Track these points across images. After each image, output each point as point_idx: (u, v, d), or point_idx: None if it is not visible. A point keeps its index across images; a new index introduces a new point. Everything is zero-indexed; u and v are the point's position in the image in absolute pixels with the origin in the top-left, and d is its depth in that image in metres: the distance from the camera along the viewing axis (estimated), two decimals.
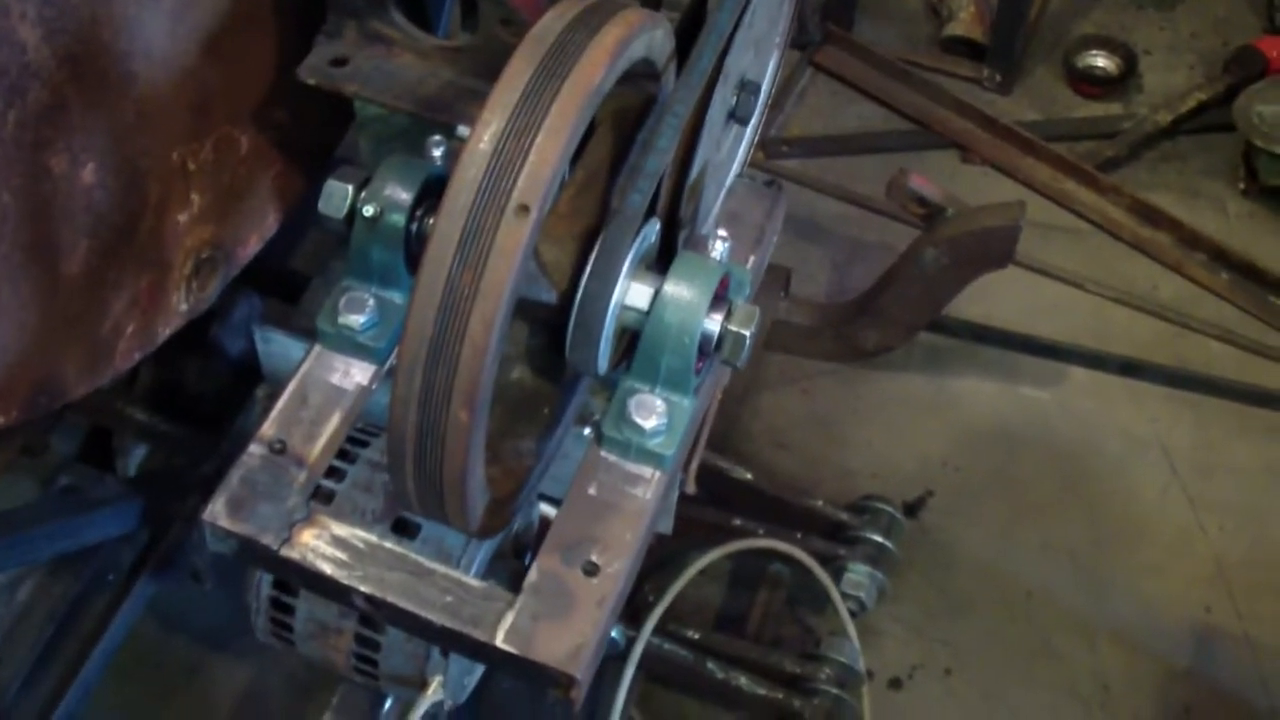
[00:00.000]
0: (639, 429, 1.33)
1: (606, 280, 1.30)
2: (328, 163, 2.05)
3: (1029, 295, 2.89)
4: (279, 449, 1.32)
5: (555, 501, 1.41)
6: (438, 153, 1.42)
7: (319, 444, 1.33)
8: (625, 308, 1.32)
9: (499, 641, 1.23)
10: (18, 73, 1.40)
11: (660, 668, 2.34)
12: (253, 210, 1.87)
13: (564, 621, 1.24)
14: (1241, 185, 3.10)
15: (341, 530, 1.29)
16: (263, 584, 1.81)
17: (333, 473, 1.82)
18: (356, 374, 1.38)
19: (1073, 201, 3.01)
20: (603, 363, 1.34)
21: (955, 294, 2.62)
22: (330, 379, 1.38)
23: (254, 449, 1.32)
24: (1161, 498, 2.70)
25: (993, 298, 2.83)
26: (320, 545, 1.28)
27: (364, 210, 1.35)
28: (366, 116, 1.66)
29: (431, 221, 1.35)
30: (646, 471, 1.34)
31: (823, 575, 2.39)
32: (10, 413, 1.54)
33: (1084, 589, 2.60)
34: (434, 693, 1.80)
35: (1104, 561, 2.63)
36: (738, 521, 2.46)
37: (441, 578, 1.27)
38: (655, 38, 1.30)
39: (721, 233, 1.40)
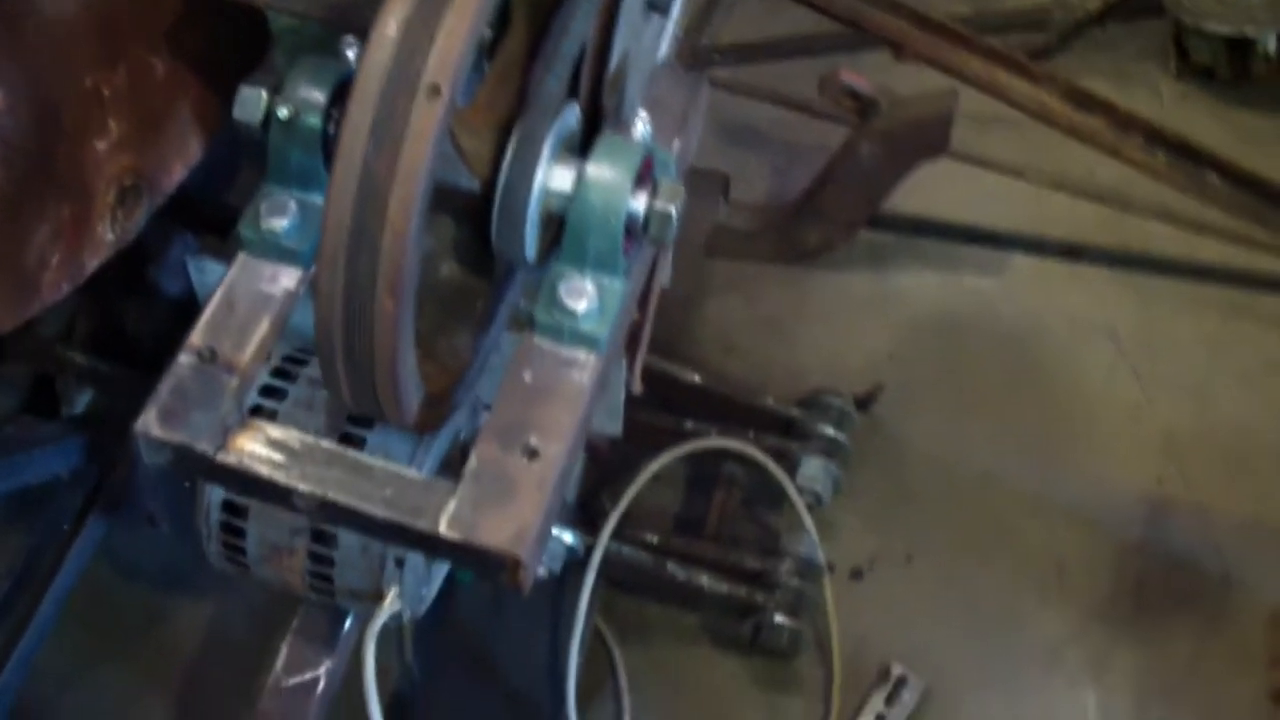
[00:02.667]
0: (570, 312, 1.33)
1: (527, 164, 1.29)
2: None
3: (967, 187, 2.90)
4: (209, 357, 1.32)
5: None
6: (350, 53, 1.41)
7: (249, 350, 1.32)
8: (549, 192, 1.32)
9: (442, 530, 1.23)
10: None
11: (621, 573, 2.36)
12: (174, 137, 1.85)
13: (506, 506, 1.24)
14: (1173, 67, 3.11)
15: (277, 432, 1.28)
16: (212, 509, 1.81)
17: (273, 393, 1.82)
18: (283, 279, 1.38)
19: (1007, 92, 3.00)
20: (530, 250, 1.34)
21: (893, 187, 2.62)
22: (257, 285, 1.37)
23: (183, 358, 1.32)
24: (1109, 377, 2.73)
25: (931, 191, 2.83)
26: (257, 448, 1.28)
27: (279, 113, 1.33)
28: (279, 28, 1.63)
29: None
30: (581, 355, 1.34)
31: (777, 471, 2.42)
32: None
33: (1036, 470, 2.63)
34: (390, 604, 1.81)
35: (1055, 442, 2.65)
36: (690, 425, 2.47)
37: (381, 472, 1.27)
38: None
39: (642, 114, 1.39)
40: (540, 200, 1.31)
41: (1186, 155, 2.93)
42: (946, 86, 2.90)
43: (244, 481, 1.27)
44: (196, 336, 1.33)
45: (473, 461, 1.27)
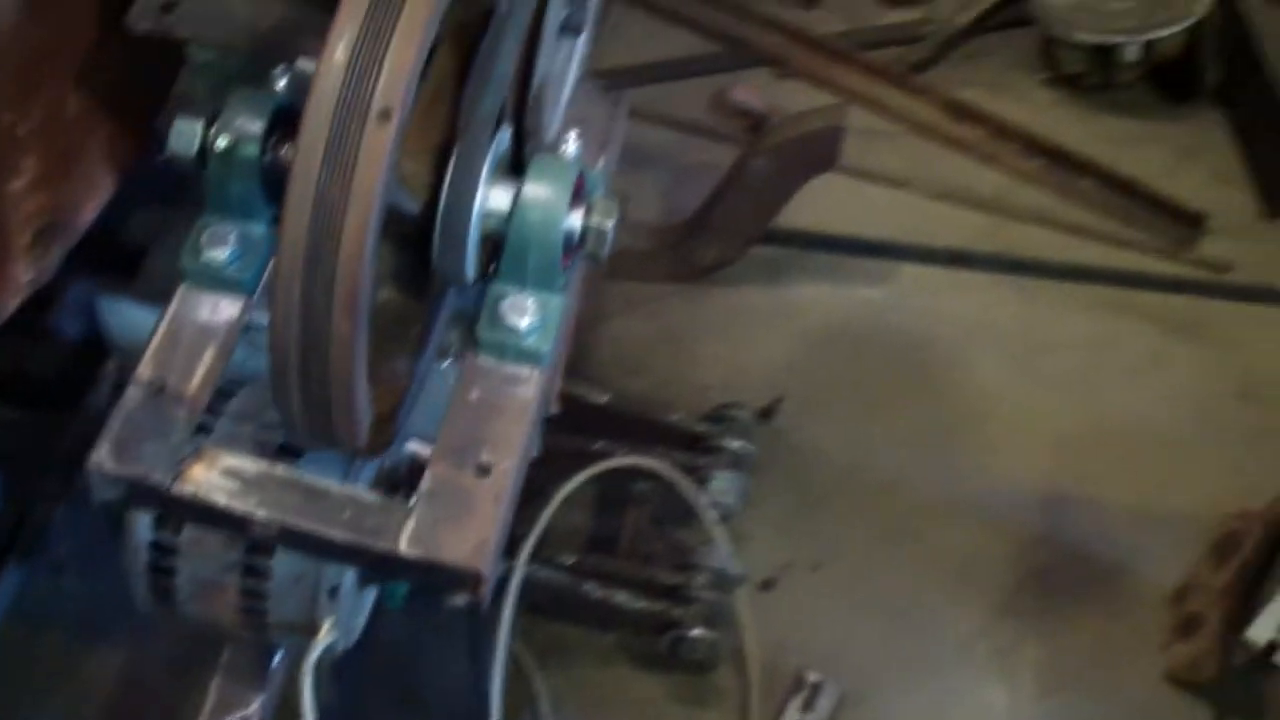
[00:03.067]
0: (513, 329, 1.36)
1: (467, 186, 1.32)
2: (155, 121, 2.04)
3: (854, 200, 2.97)
4: (157, 389, 1.32)
5: (425, 438, 1.42)
6: (281, 83, 1.43)
7: (196, 380, 1.33)
8: (488, 213, 1.35)
9: (403, 549, 1.25)
10: None
11: (538, 596, 2.37)
12: (87, 175, 1.84)
13: (464, 522, 1.27)
14: (1043, 76, 3.24)
15: (232, 460, 1.29)
16: (139, 550, 1.79)
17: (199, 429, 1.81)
18: (225, 308, 1.38)
19: (887, 106, 3.10)
20: (470, 270, 1.36)
21: (785, 201, 2.69)
22: (200, 316, 1.38)
23: (132, 392, 1.32)
24: (999, 378, 2.81)
25: (820, 205, 2.90)
26: (212, 477, 1.28)
27: (217, 144, 1.35)
28: (200, 61, 1.64)
29: (286, 147, 1.35)
30: (525, 371, 1.37)
31: (688, 487, 2.45)
32: None
33: (937, 472, 2.69)
34: (325, 635, 1.80)
35: (953, 444, 2.73)
36: (599, 445, 2.49)
37: (338, 495, 1.29)
38: None
39: (571, 134, 1.43)
40: (480, 221, 1.33)
41: (1060, 161, 3.07)
42: (833, 102, 2.99)
43: (200, 511, 1.28)
44: (144, 369, 1.33)
45: (427, 481, 1.29)
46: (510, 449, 1.31)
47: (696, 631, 2.33)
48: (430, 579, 1.27)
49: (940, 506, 2.65)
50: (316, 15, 1.60)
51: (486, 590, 1.26)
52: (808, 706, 2.40)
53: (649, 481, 2.54)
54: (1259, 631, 1.90)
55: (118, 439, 1.29)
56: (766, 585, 2.56)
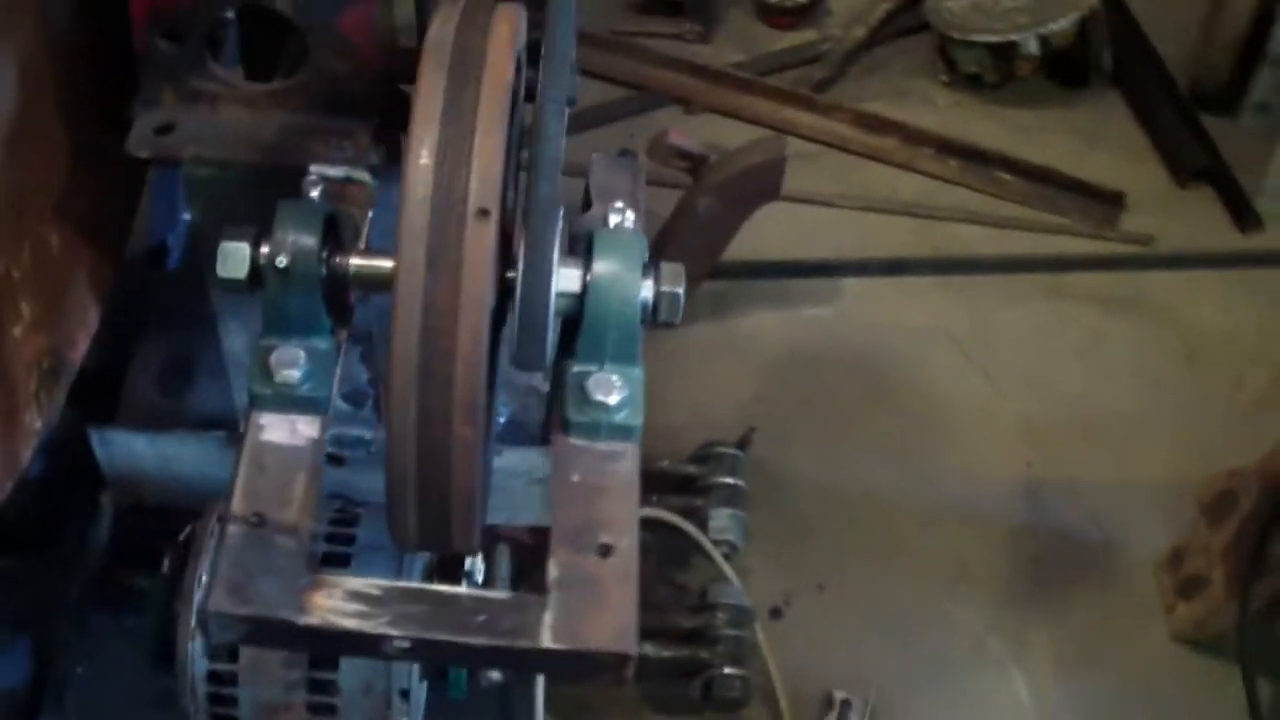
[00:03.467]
0: (604, 407, 1.34)
1: (543, 272, 1.30)
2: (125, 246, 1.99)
3: (787, 224, 3.01)
4: (256, 522, 1.28)
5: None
6: (315, 192, 1.41)
7: (295, 507, 1.29)
8: (559, 294, 1.33)
9: (548, 644, 1.23)
10: None
11: None
12: (75, 309, 1.79)
13: (600, 606, 1.25)
14: (943, 78, 3.32)
15: (352, 584, 1.26)
16: (197, 683, 1.75)
17: None
18: (304, 429, 1.34)
19: (799, 127, 3.15)
20: (550, 356, 1.35)
21: (733, 236, 2.71)
22: (280, 440, 1.34)
23: (232, 529, 1.27)
24: (958, 377, 2.87)
25: (756, 235, 2.92)
26: (337, 604, 1.24)
27: (277, 263, 1.31)
28: (197, 180, 1.60)
29: (350, 260, 1.33)
30: (619, 447, 1.36)
31: (691, 529, 2.46)
32: None
33: (914, 478, 2.74)
34: None
35: (925, 449, 2.78)
36: None
37: (466, 600, 1.26)
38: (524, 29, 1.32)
39: (618, 204, 1.42)
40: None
41: (975, 158, 3.15)
42: (743, 135, 3.03)
43: (329, 639, 1.24)
44: (238, 505, 1.28)
45: (553, 570, 1.27)
46: (625, 526, 1.30)
47: (728, 670, 2.34)
48: (576, 668, 1.25)
49: (925, 511, 2.70)
50: (321, 119, 1.60)
51: (632, 669, 1.25)
52: None
53: (646, 530, 2.54)
54: None
55: (230, 580, 1.24)
56: (775, 614, 2.57)
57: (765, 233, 2.96)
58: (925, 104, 3.30)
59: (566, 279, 1.34)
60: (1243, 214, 3.10)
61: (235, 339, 1.83)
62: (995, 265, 2.97)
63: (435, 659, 1.28)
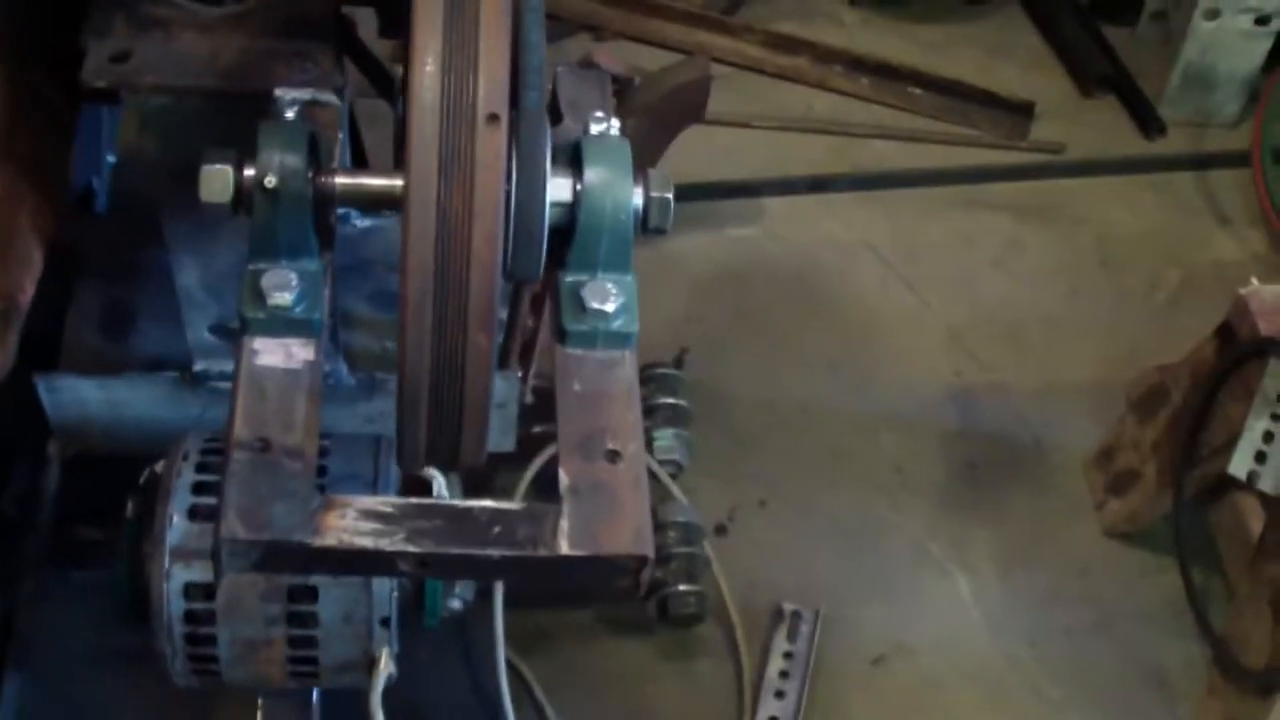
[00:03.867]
0: (602, 314, 1.35)
1: (536, 181, 1.30)
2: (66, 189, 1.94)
3: (706, 146, 3.01)
4: (261, 447, 1.26)
5: None
6: (291, 113, 1.38)
7: (299, 430, 1.28)
8: (552, 204, 1.33)
9: (566, 551, 1.23)
10: None
11: (521, 587, 2.35)
12: (21, 254, 1.74)
13: (614, 511, 1.26)
14: None
15: (365, 503, 1.25)
16: (174, 624, 1.72)
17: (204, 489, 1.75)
18: (299, 352, 1.33)
19: (712, 50, 3.15)
20: (541, 265, 1.35)
21: (658, 158, 2.71)
22: (276, 364, 1.32)
23: (238, 456, 1.25)
24: (884, 290, 2.92)
25: (677, 158, 2.91)
26: (350, 523, 1.23)
27: (265, 183, 1.29)
28: (151, 110, 1.56)
29: (335, 179, 1.31)
30: (617, 355, 1.37)
31: None
32: None
33: (848, 390, 2.78)
34: (385, 666, 1.77)
35: (856, 360, 2.82)
36: (539, 429, 2.48)
37: (480, 512, 1.25)
38: None
39: (598, 114, 1.42)
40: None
41: (885, 74, 3.19)
42: (655, 59, 3.02)
43: (345, 559, 1.23)
44: (241, 431, 1.27)
45: (565, 479, 1.27)
46: (631, 432, 1.30)
47: (683, 587, 2.36)
48: (592, 574, 1.26)
49: (861, 421, 2.74)
50: (281, 42, 1.57)
51: (649, 574, 1.26)
52: (792, 635, 2.45)
53: None
54: (1238, 466, 2.03)
55: (241, 506, 1.22)
56: (720, 530, 2.60)
57: (685, 155, 2.95)
58: (833, 23, 3.32)
59: (557, 188, 1.33)
60: (1147, 121, 3.18)
61: (188, 274, 1.80)
62: (912, 179, 3.01)
63: (451, 574, 1.28)
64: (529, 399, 2.07)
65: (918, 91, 3.16)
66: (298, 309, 1.33)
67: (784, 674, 2.39)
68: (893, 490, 2.66)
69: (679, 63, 2.61)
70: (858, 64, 3.17)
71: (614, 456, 1.29)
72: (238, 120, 1.55)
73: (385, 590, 1.74)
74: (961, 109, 3.15)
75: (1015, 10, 3.40)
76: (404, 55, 1.17)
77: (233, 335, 1.90)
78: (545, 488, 2.55)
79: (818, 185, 2.96)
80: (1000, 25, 3.38)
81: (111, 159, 2.42)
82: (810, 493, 2.65)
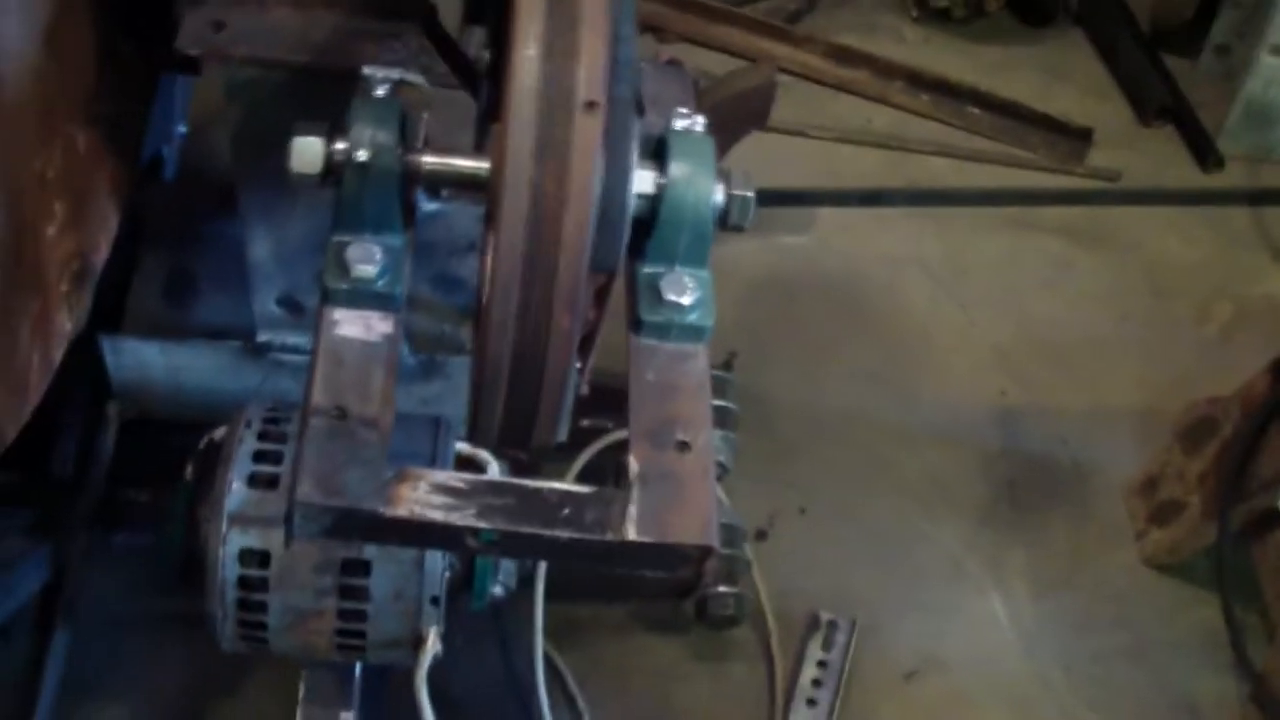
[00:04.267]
0: (678, 307, 1.36)
1: (622, 172, 1.31)
2: (141, 152, 1.96)
3: (761, 153, 2.99)
4: (338, 415, 1.28)
5: None
6: (382, 90, 1.40)
7: (375, 401, 1.29)
8: (636, 195, 1.34)
9: (632, 536, 1.24)
10: None
11: (562, 579, 2.37)
12: (98, 213, 1.76)
13: (682, 500, 1.27)
14: (913, 13, 3.36)
15: (438, 476, 1.26)
16: (227, 588, 1.74)
17: (265, 457, 1.77)
18: (379, 325, 1.34)
19: (773, 57, 3.16)
20: (623, 256, 1.36)
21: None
22: (356, 335, 1.33)
23: (315, 422, 1.27)
24: (932, 305, 2.92)
25: (729, 163, 2.93)
26: (422, 496, 1.25)
27: (356, 157, 1.30)
28: (238, 82, 1.59)
29: (423, 157, 1.33)
30: (690, 348, 1.38)
31: None
32: None
33: (891, 402, 2.79)
34: (433, 645, 1.79)
35: (901, 373, 2.83)
36: (586, 423, 2.50)
37: (549, 493, 1.27)
38: None
39: (683, 110, 1.43)
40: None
41: (945, 92, 3.19)
42: (719, 64, 3.04)
43: (415, 531, 1.25)
44: (319, 398, 1.28)
45: (634, 466, 1.28)
46: (701, 424, 1.32)
47: (722, 588, 2.37)
48: (656, 562, 1.27)
49: (902, 434, 2.75)
50: (370, 21, 1.59)
51: (714, 565, 1.27)
52: (827, 644, 2.46)
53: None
54: None
55: (317, 471, 1.24)
56: (760, 535, 2.61)
57: (741, 161, 2.96)
58: (895, 38, 3.33)
59: (640, 180, 1.35)
60: (1204, 153, 3.18)
61: (261, 245, 1.82)
62: (966, 197, 3.01)
63: (518, 552, 1.29)
64: (585, 390, 2.08)
65: (976, 111, 3.17)
66: (380, 282, 1.34)
67: (817, 682, 2.40)
68: (932, 504, 2.67)
69: (745, 68, 2.62)
70: (918, 80, 3.18)
71: (684, 447, 1.30)
72: (323, 96, 1.57)
73: (437, 569, 1.76)
74: (1019, 131, 3.16)
75: (1077, 36, 3.41)
76: (497, 40, 1.18)
77: (298, 308, 1.94)
78: (591, 481, 2.57)
79: (871, 198, 2.97)
80: (1061, 49, 3.38)
81: (182, 129, 2.45)
82: (850, 502, 2.66)
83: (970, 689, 2.43)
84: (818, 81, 3.19)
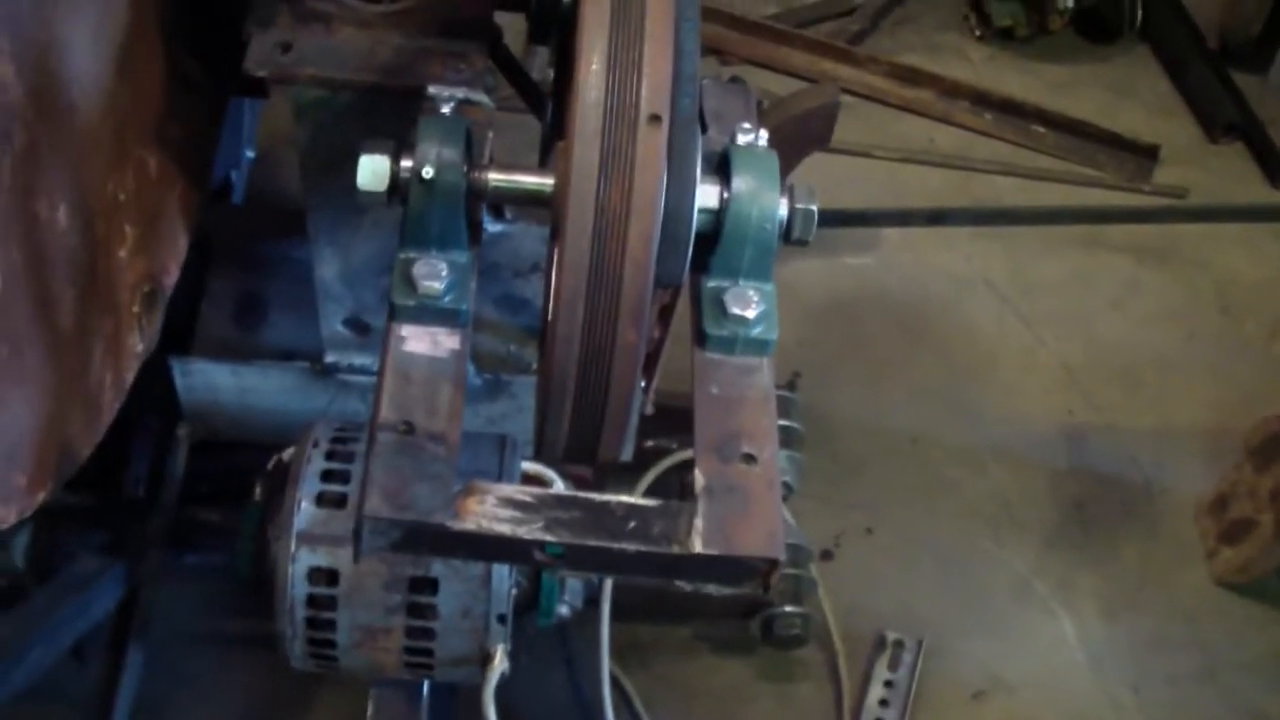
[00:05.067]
0: (743, 320, 1.36)
1: (686, 186, 1.31)
2: (209, 175, 1.99)
3: (824, 173, 3.01)
4: (406, 430, 1.29)
5: None
6: (447, 109, 1.41)
7: (442, 416, 1.30)
8: (700, 210, 1.35)
9: (699, 549, 1.25)
10: (4, 115, 1.30)
11: (627, 599, 2.37)
12: (169, 235, 1.79)
13: (748, 513, 1.27)
14: (976, 32, 3.35)
15: (504, 490, 1.27)
16: (296, 606, 1.76)
17: (333, 476, 1.79)
18: (445, 340, 1.35)
19: (836, 78, 3.17)
20: (687, 268, 1.37)
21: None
22: (423, 351, 1.35)
23: (383, 437, 1.28)
24: (998, 324, 2.90)
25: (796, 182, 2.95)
26: (489, 509, 1.26)
27: (424, 173, 1.32)
28: (306, 102, 1.60)
29: (488, 174, 1.34)
30: (755, 361, 1.38)
31: None
32: (47, 484, 1.44)
33: (957, 422, 2.77)
34: (500, 662, 1.80)
35: (967, 393, 2.81)
36: (651, 444, 2.50)
37: (616, 506, 1.27)
38: None
39: (746, 125, 1.44)
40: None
41: (1010, 111, 3.18)
42: (782, 85, 3.04)
43: (483, 544, 1.26)
44: (387, 413, 1.29)
45: (700, 479, 1.29)
46: (766, 437, 1.32)
47: (789, 608, 2.36)
48: (722, 574, 1.27)
49: (969, 454, 2.73)
50: (435, 41, 1.60)
51: (778, 577, 1.27)
52: (894, 665, 2.45)
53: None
54: None
55: (384, 486, 1.25)
56: (826, 556, 2.60)
57: (805, 181, 2.97)
58: (959, 57, 3.32)
59: (705, 194, 1.35)
60: (1274, 169, 3.15)
61: (328, 266, 1.84)
62: (1032, 216, 2.99)
63: (586, 566, 1.29)
64: (650, 410, 2.09)
65: (1041, 129, 3.15)
66: (446, 298, 1.35)
67: (884, 702, 2.39)
68: (999, 524, 2.65)
69: (808, 88, 2.63)
70: (982, 99, 3.17)
71: (749, 460, 1.31)
72: (388, 115, 1.60)
73: (504, 587, 1.77)
74: (1085, 149, 3.14)
75: (1143, 52, 3.38)
76: (562, 57, 1.19)
77: (365, 329, 1.96)
78: (657, 496, 2.57)
79: (936, 218, 2.96)
80: (1127, 67, 3.36)
81: (250, 154, 2.48)
82: (916, 523, 2.64)
83: (1038, 710, 2.41)
84: (881, 102, 3.18)
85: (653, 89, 1.16)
